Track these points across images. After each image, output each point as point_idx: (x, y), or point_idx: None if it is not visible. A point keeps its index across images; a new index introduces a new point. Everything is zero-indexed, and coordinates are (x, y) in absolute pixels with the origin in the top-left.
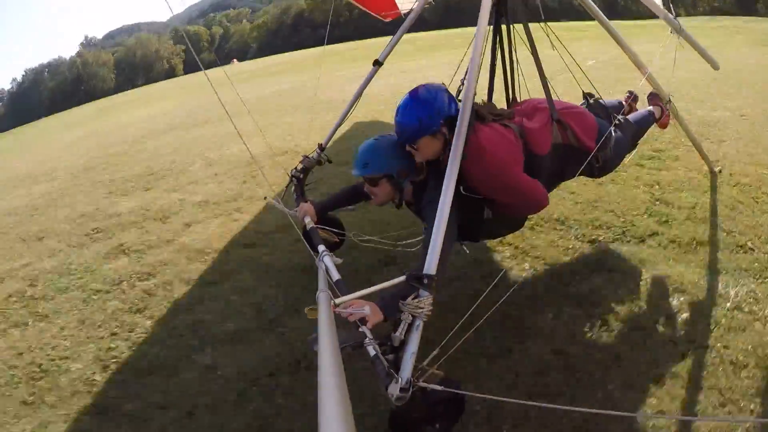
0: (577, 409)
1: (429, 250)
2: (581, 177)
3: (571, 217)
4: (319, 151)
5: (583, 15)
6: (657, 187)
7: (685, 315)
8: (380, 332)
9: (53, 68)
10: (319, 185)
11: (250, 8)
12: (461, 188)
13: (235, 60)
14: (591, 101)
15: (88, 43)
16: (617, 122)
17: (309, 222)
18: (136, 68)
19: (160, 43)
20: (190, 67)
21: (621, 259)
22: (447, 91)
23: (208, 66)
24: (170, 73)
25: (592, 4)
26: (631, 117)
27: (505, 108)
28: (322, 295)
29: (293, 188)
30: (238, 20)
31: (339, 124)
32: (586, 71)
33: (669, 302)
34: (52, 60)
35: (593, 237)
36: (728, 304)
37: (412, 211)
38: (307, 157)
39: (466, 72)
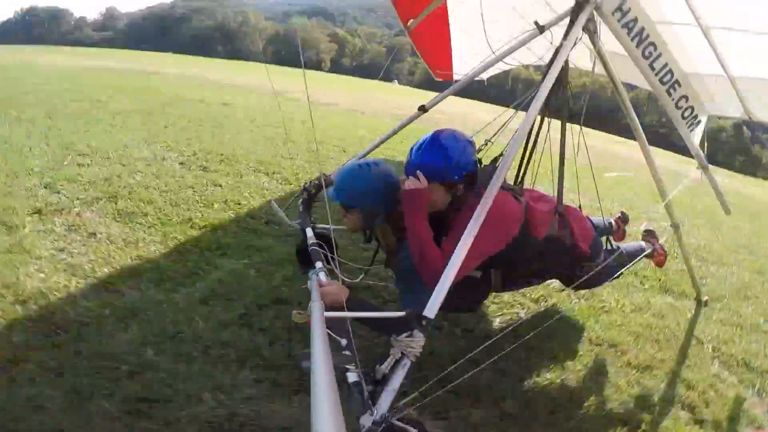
0: None
1: (435, 292)
2: None
3: None
4: None
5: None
6: None
7: None
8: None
9: (207, 13)
10: None
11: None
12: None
13: (396, 81)
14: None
15: None
16: (610, 248)
17: (311, 238)
18: (288, 48)
19: (320, 35)
20: (337, 69)
21: None
22: (473, 144)
23: (352, 72)
24: (316, 65)
25: (637, 123)
26: (624, 247)
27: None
28: (315, 305)
29: (300, 201)
30: (373, 40)
31: (365, 154)
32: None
33: None
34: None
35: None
36: None
37: (382, 249)
38: (325, 175)
39: (495, 135)
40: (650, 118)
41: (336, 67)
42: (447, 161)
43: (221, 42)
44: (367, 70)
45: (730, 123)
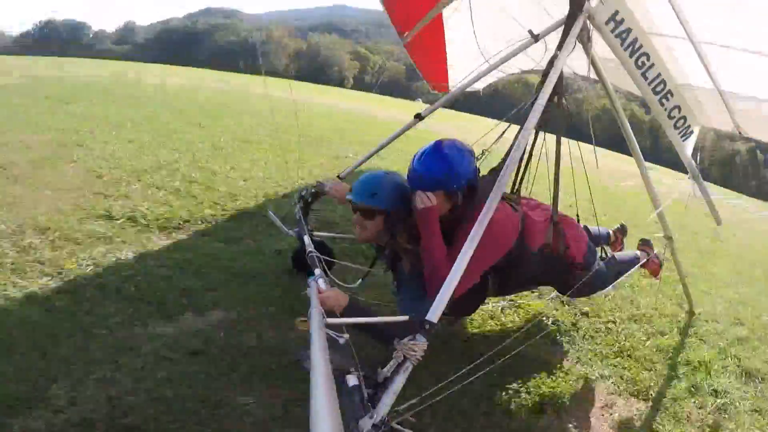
0: None
1: (437, 299)
2: None
3: None
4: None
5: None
6: None
7: None
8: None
9: (229, 27)
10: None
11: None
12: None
13: (420, 99)
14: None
15: None
16: (605, 257)
17: (309, 245)
18: (311, 64)
19: (342, 53)
20: (359, 85)
21: None
22: (473, 154)
23: (370, 89)
24: (339, 83)
25: (628, 126)
26: (618, 256)
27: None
28: (315, 312)
29: (297, 208)
30: (391, 57)
31: (362, 162)
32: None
33: None
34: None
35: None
36: None
37: (385, 257)
38: (321, 183)
39: (492, 144)
40: (668, 140)
41: (359, 84)
42: (449, 170)
43: (243, 56)
44: (387, 87)
45: (745, 147)
